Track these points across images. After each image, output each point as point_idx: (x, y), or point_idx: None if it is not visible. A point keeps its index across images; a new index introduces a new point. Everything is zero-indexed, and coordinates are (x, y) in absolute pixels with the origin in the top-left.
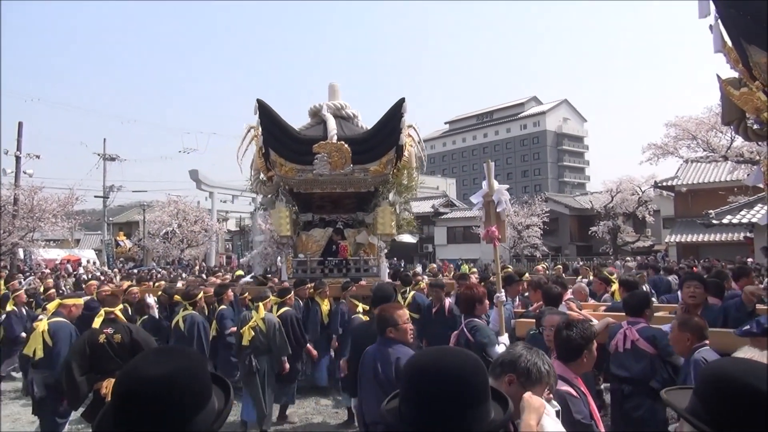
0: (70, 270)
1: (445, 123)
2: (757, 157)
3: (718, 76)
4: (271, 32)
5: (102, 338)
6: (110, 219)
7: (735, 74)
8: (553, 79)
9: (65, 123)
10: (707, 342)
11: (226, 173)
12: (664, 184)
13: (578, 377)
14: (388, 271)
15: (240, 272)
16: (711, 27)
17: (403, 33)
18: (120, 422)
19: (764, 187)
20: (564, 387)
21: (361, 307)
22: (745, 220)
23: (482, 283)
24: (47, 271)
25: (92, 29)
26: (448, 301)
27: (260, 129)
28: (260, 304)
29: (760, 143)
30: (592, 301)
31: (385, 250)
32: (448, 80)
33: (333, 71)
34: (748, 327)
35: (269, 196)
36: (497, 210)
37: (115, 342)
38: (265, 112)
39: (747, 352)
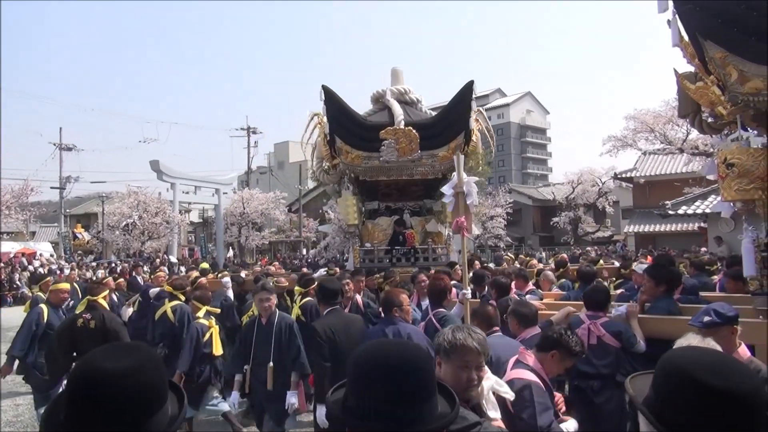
0: (25, 263)
1: None
2: (712, 150)
3: (675, 71)
4: (232, 23)
5: (80, 322)
6: (67, 211)
7: (691, 69)
8: (517, 71)
9: (19, 111)
10: (496, 329)
11: (188, 164)
12: (623, 175)
13: (547, 370)
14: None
15: (205, 265)
16: (669, 22)
17: (367, 23)
18: (71, 420)
19: (717, 179)
20: (527, 375)
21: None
22: (699, 211)
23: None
24: (1, 264)
25: (47, 14)
26: None
27: (325, 116)
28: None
29: (714, 136)
30: (555, 290)
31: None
32: (413, 72)
33: (300, 60)
34: (708, 318)
35: (333, 184)
36: (467, 202)
37: (89, 327)
38: (331, 98)
39: (691, 339)
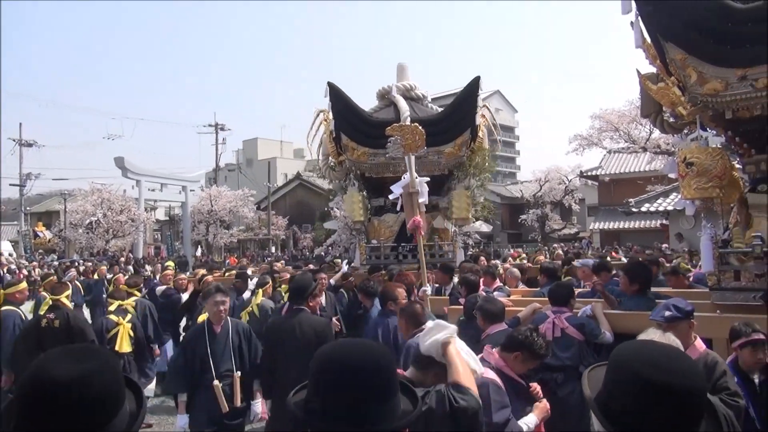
0: None
1: None
2: (673, 149)
3: (638, 71)
4: (198, 17)
5: (44, 323)
6: (28, 209)
7: (653, 69)
8: (486, 70)
9: None
10: (423, 327)
11: (154, 160)
12: (589, 173)
13: (507, 366)
14: (463, 257)
15: (170, 263)
16: (632, 24)
17: (338, 23)
18: (22, 429)
19: (677, 178)
20: (489, 375)
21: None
22: (661, 208)
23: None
24: None
25: (4, 3)
26: None
27: (331, 113)
28: (260, 290)
29: (675, 135)
30: (522, 287)
31: (460, 236)
32: (380, 69)
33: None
34: (669, 313)
35: (338, 181)
36: (419, 201)
37: (54, 326)
38: (336, 95)
39: (652, 334)
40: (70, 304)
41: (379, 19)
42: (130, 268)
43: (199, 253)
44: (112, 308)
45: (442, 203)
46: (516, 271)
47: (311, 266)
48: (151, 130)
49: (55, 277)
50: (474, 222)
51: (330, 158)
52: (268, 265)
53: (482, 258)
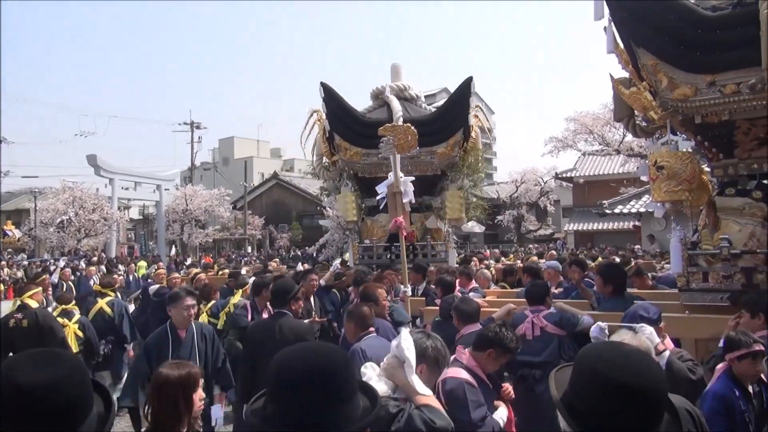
0: None
1: None
2: (646, 152)
3: (611, 76)
4: (174, 14)
5: (12, 323)
6: None
7: (626, 74)
8: (463, 71)
9: None
10: (371, 330)
11: (128, 158)
12: (564, 175)
13: (482, 369)
14: (456, 257)
15: (143, 263)
16: (605, 29)
17: (315, 21)
18: None
19: (649, 181)
20: (460, 373)
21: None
22: (634, 210)
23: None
24: None
25: None
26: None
27: (324, 113)
28: (239, 291)
29: (646, 139)
30: (494, 287)
31: (453, 236)
32: (358, 68)
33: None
34: (636, 322)
35: (332, 181)
36: (403, 201)
37: (22, 326)
38: (330, 95)
39: (623, 336)
40: (35, 303)
41: (356, 16)
42: (103, 267)
43: (173, 252)
44: (56, 313)
45: (435, 203)
46: (487, 272)
47: (306, 266)
48: (125, 127)
49: (48, 275)
50: (467, 222)
51: (324, 158)
52: (261, 265)
53: (474, 259)
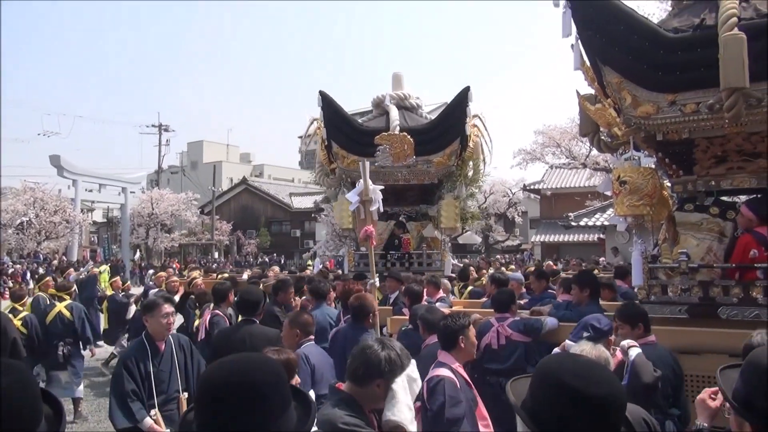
0: None
1: None
2: (611, 166)
3: (578, 92)
4: (144, 12)
5: None
6: None
7: (592, 91)
8: (434, 82)
9: None
10: (311, 338)
11: (93, 160)
12: (532, 187)
13: (461, 365)
14: (452, 266)
15: (104, 267)
16: (572, 46)
17: (282, 19)
18: None
19: (612, 195)
20: (443, 372)
21: None
22: (598, 223)
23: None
24: None
25: None
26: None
27: (323, 121)
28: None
29: (611, 154)
30: (453, 298)
31: (449, 245)
32: (342, 76)
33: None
34: (587, 334)
35: (333, 188)
36: (371, 209)
37: None
38: (328, 103)
39: (583, 346)
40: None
41: (327, 19)
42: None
43: (137, 257)
44: (5, 309)
45: (432, 212)
46: (447, 283)
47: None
48: (90, 128)
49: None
50: (465, 232)
51: (324, 165)
52: (259, 270)
53: (472, 269)
